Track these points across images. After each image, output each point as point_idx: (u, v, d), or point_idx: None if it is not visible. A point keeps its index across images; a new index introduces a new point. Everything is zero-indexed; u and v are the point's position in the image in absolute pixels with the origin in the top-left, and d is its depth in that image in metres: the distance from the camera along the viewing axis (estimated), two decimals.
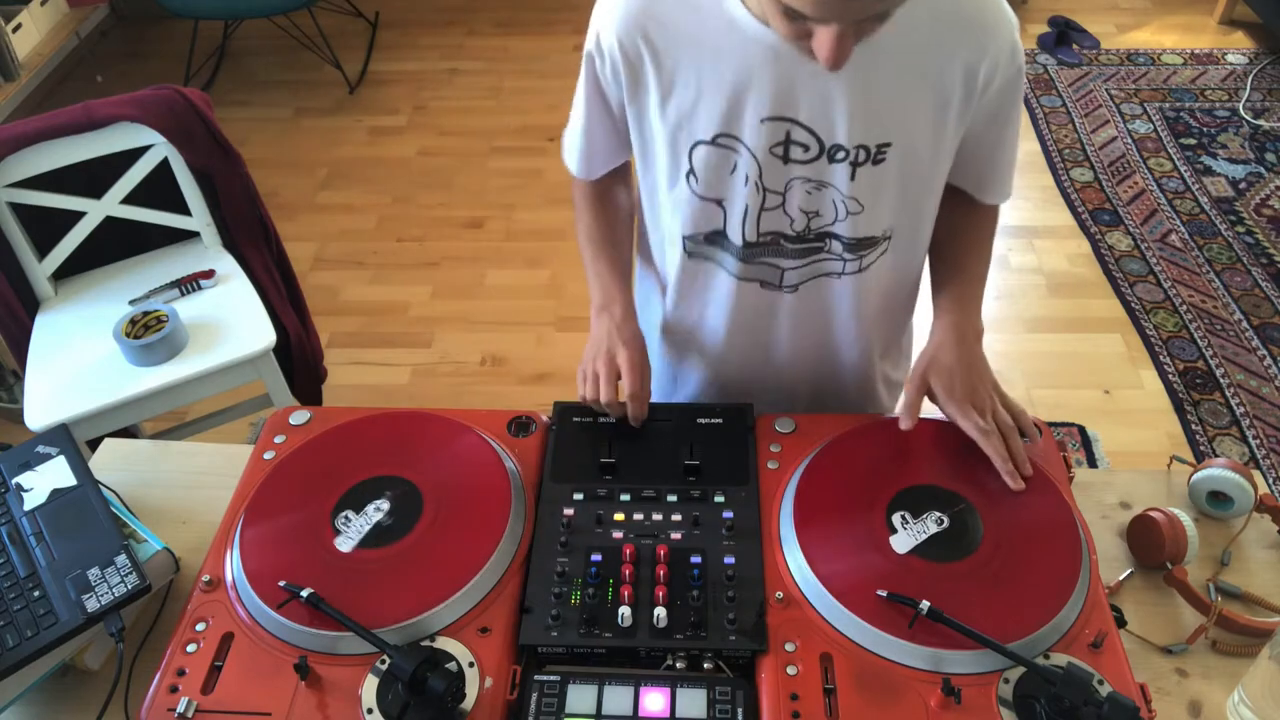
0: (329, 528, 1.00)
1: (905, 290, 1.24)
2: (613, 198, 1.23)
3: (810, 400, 1.28)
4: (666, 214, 1.13)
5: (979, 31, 0.96)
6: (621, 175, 1.23)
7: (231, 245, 2.05)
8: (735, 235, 1.09)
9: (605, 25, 1.01)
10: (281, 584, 0.93)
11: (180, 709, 0.86)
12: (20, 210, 1.88)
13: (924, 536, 0.97)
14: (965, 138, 1.04)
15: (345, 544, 0.99)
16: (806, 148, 1.00)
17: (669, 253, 1.18)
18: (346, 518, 1.01)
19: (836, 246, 1.09)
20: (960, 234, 1.18)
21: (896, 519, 0.98)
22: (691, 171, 1.05)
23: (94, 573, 0.98)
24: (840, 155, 1.00)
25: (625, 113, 1.07)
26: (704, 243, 1.13)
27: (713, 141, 1.02)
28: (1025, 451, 1.03)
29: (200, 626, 0.93)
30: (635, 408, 1.09)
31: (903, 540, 0.97)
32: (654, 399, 1.14)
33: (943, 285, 1.17)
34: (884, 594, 0.90)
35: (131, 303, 1.93)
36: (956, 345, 1.09)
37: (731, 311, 1.19)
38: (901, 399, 1.07)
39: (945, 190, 1.11)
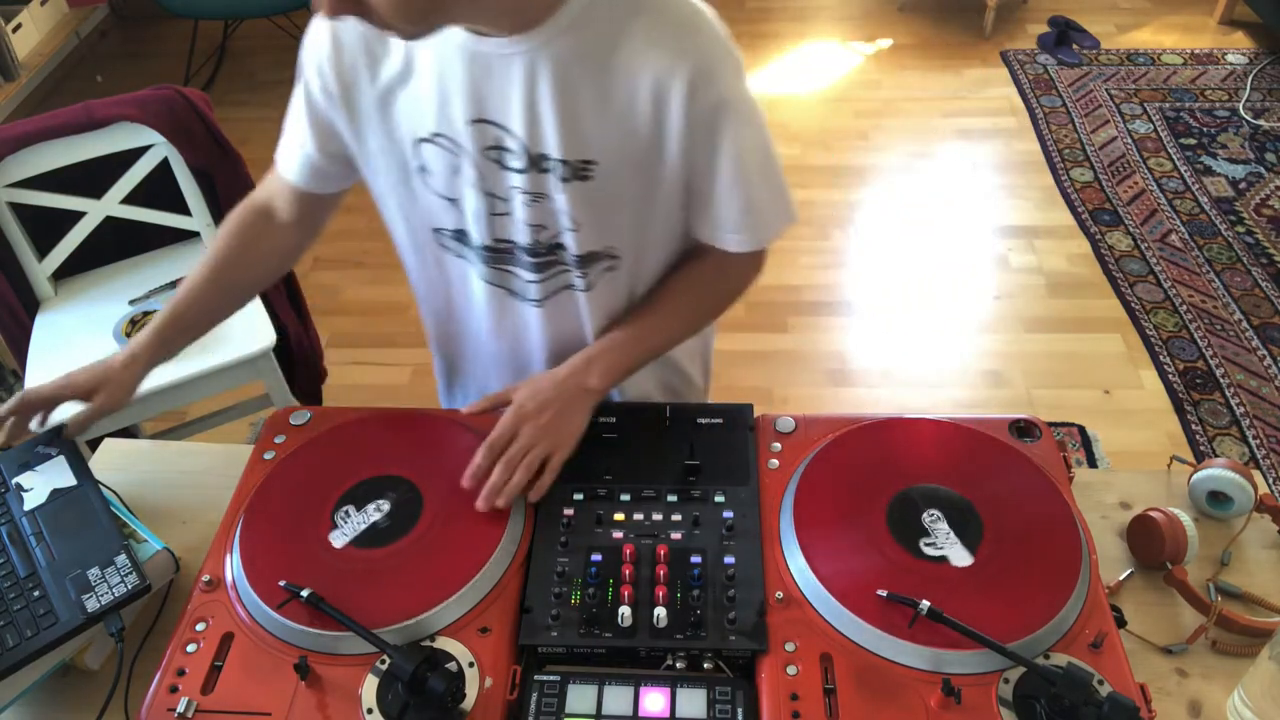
0: (329, 526, 1.00)
1: None
2: (256, 240, 1.16)
3: None
4: (413, 210, 1.10)
5: (670, 55, 0.92)
6: (295, 216, 1.17)
7: None
8: (474, 237, 1.07)
9: (321, 35, 1.00)
10: (281, 584, 0.93)
11: (180, 709, 0.86)
12: (20, 210, 1.88)
13: (952, 536, 0.96)
14: (687, 170, 1.01)
15: (339, 540, 0.99)
16: (517, 155, 0.98)
17: (424, 249, 1.14)
18: (347, 513, 1.01)
19: (567, 256, 1.07)
20: (672, 283, 1.13)
21: (925, 548, 0.96)
22: (423, 168, 1.04)
23: (94, 573, 0.98)
24: (547, 166, 0.98)
25: (346, 128, 1.05)
26: (452, 239, 1.10)
27: (433, 140, 1.01)
28: (507, 491, 1.00)
29: (200, 626, 0.93)
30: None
31: (957, 555, 0.94)
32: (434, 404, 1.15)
33: (613, 327, 1.13)
34: (884, 594, 0.90)
35: (131, 303, 1.93)
36: (562, 384, 1.08)
37: (487, 317, 1.17)
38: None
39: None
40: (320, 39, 1.01)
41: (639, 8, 0.92)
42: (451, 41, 0.94)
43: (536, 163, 0.98)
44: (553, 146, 0.97)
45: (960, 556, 0.94)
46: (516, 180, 1.00)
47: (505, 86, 0.94)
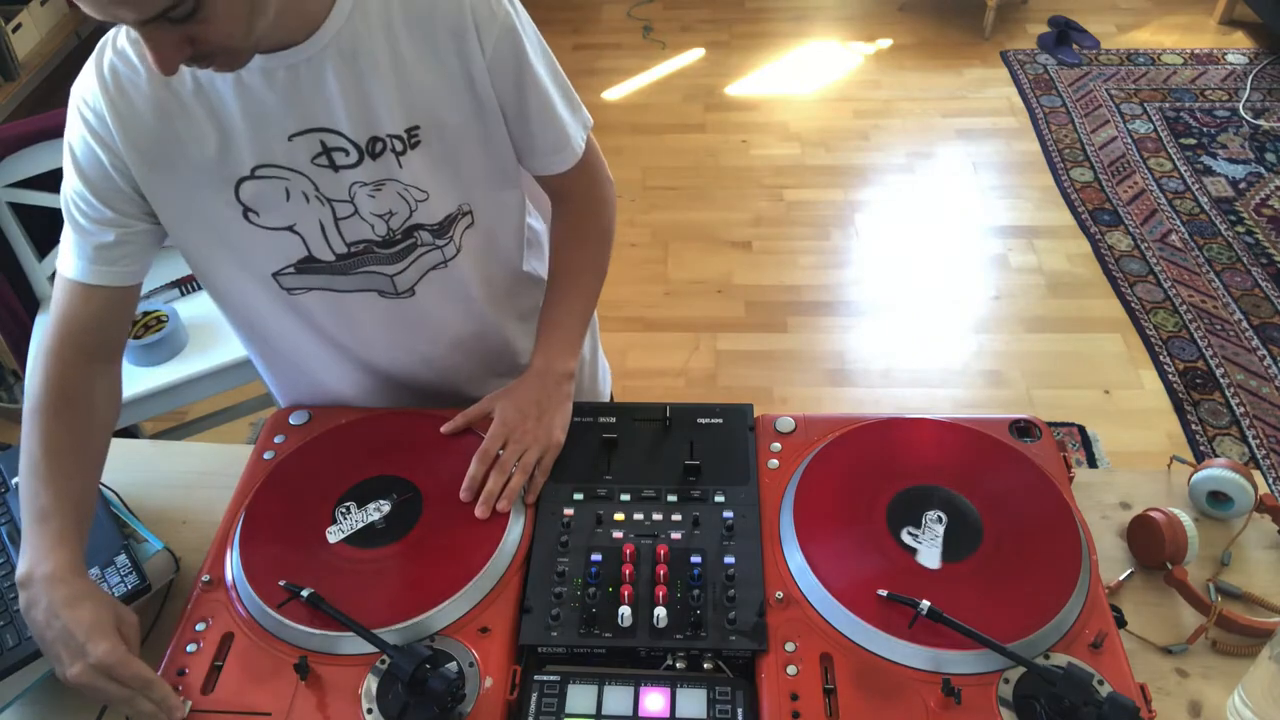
0: (329, 526, 1.00)
1: (524, 253, 1.24)
2: (88, 395, 0.99)
3: (498, 385, 1.18)
4: (243, 265, 1.05)
5: (448, 3, 0.95)
6: (110, 356, 1.04)
7: None
8: (324, 253, 1.05)
9: (89, 115, 0.95)
10: (281, 584, 0.93)
11: None
12: (20, 210, 1.87)
13: (937, 540, 0.96)
14: (503, 110, 1.04)
15: (335, 535, 0.99)
16: (346, 151, 0.98)
17: (267, 303, 1.10)
18: (348, 509, 1.01)
19: (426, 236, 1.08)
20: (559, 249, 1.19)
21: (905, 537, 0.96)
22: (248, 210, 1.00)
23: (94, 573, 0.98)
24: (379, 148, 0.99)
25: (149, 189, 0.99)
26: (297, 274, 1.07)
27: (253, 175, 0.98)
28: (506, 495, 1.01)
29: (200, 626, 0.93)
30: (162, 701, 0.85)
31: (928, 554, 0.95)
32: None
33: (543, 312, 1.18)
34: (884, 594, 0.90)
35: None
36: (537, 384, 1.11)
37: (365, 327, 1.14)
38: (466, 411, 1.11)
39: (551, 202, 1.18)
40: (97, 129, 0.95)
41: None
42: (249, 68, 0.92)
43: (368, 149, 0.99)
44: (381, 125, 0.98)
45: (930, 559, 0.94)
46: (353, 175, 1.00)
47: (320, 86, 0.95)
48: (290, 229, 1.03)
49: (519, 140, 1.08)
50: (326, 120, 0.97)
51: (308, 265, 1.07)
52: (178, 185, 0.99)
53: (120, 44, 0.95)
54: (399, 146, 1.00)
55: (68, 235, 1.00)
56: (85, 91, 0.96)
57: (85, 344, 1.00)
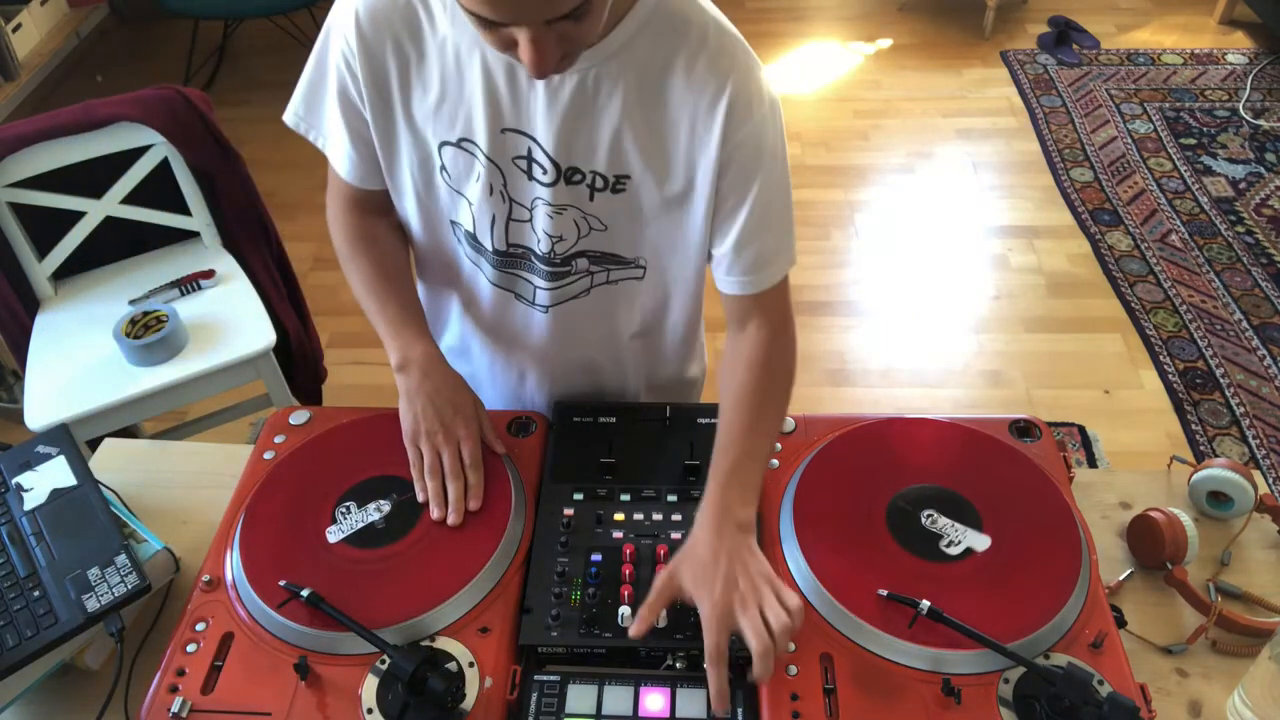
0: (329, 526, 1.00)
1: (667, 317, 1.17)
2: (385, 234, 1.14)
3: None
4: (432, 204, 1.08)
5: (712, 87, 0.93)
6: (387, 210, 1.14)
7: (231, 245, 2.05)
8: (485, 240, 1.07)
9: (348, 23, 0.97)
10: (281, 584, 0.93)
11: (174, 709, 0.86)
12: (20, 210, 1.87)
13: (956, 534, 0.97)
14: (717, 200, 1.00)
15: (335, 535, 0.99)
16: (545, 169, 0.98)
17: (440, 241, 1.12)
18: (348, 509, 1.01)
19: (583, 263, 1.07)
20: (736, 379, 1.06)
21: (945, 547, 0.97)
22: (444, 168, 1.03)
23: (94, 573, 0.98)
24: (577, 178, 0.99)
25: (370, 113, 1.02)
26: (466, 237, 1.09)
27: (457, 144, 1.00)
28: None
29: (200, 626, 0.93)
30: (475, 480, 1.03)
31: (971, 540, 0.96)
32: None
33: (716, 453, 1.00)
34: (884, 594, 0.90)
35: (131, 303, 1.93)
36: (712, 538, 0.92)
37: (489, 317, 1.17)
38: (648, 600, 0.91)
39: (729, 328, 1.09)
40: (352, 43, 0.98)
41: (685, 34, 0.93)
42: (500, 55, 0.92)
43: (567, 176, 0.99)
44: (588, 160, 0.97)
45: (979, 541, 0.95)
46: (542, 192, 1.00)
47: (549, 101, 0.94)
48: (470, 202, 1.04)
49: (717, 249, 1.04)
50: (540, 132, 0.96)
51: (474, 239, 1.08)
52: (395, 123, 1.02)
53: None
54: (600, 184, 0.99)
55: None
56: (346, 24, 0.97)
57: (363, 206, 1.13)
